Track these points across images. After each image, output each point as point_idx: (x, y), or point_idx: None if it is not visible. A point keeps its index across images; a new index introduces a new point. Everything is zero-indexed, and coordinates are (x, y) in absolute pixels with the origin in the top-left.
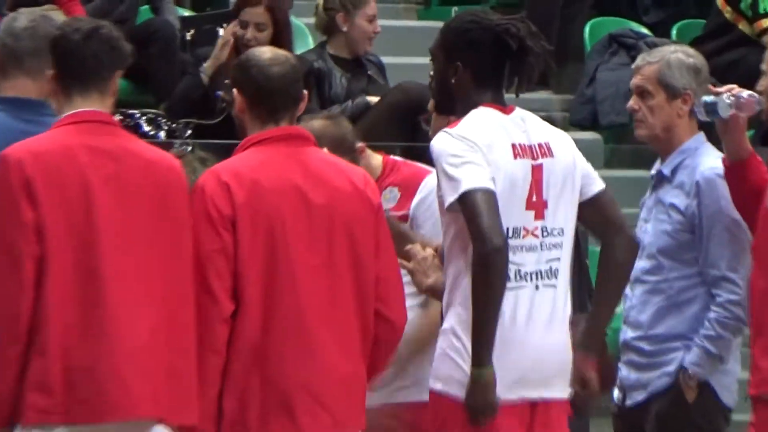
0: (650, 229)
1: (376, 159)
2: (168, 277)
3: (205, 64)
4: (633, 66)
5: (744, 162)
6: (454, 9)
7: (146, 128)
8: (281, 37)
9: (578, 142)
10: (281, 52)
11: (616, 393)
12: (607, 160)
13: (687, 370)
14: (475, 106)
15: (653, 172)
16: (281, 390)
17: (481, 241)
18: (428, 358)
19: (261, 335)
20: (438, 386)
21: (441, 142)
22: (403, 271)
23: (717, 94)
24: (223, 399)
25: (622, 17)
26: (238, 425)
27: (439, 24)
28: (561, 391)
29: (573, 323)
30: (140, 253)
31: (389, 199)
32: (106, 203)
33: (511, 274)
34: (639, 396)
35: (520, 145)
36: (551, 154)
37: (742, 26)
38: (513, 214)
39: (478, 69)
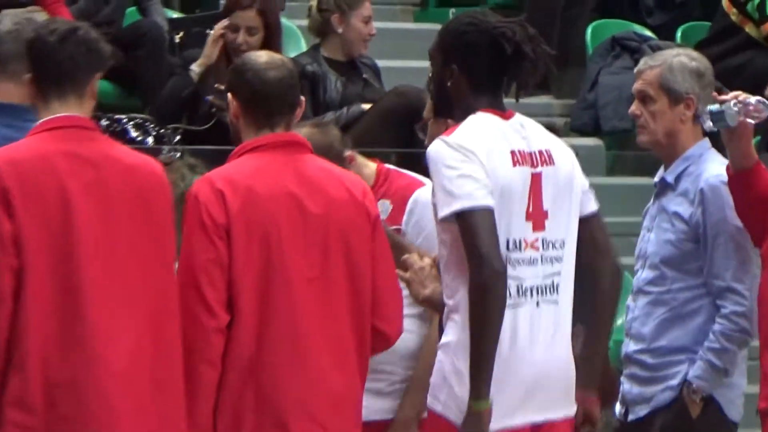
0: (653, 238)
1: (369, 167)
2: (152, 287)
3: (194, 64)
4: (635, 70)
5: (750, 171)
6: (452, 11)
7: (134, 134)
8: (272, 41)
9: (579, 149)
10: (278, 56)
11: (618, 407)
12: (610, 167)
13: (691, 383)
14: (472, 110)
15: (656, 179)
16: (275, 406)
17: (480, 265)
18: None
19: (255, 347)
20: (438, 408)
21: (437, 151)
22: (402, 284)
23: (722, 101)
24: (217, 414)
25: (625, 19)
26: None
27: (436, 26)
28: (566, 409)
29: (573, 334)
30: (122, 262)
31: (381, 212)
32: (86, 211)
33: (512, 290)
34: (642, 411)
35: (519, 151)
36: (551, 162)
37: (749, 29)
38: (513, 226)
39: (474, 72)
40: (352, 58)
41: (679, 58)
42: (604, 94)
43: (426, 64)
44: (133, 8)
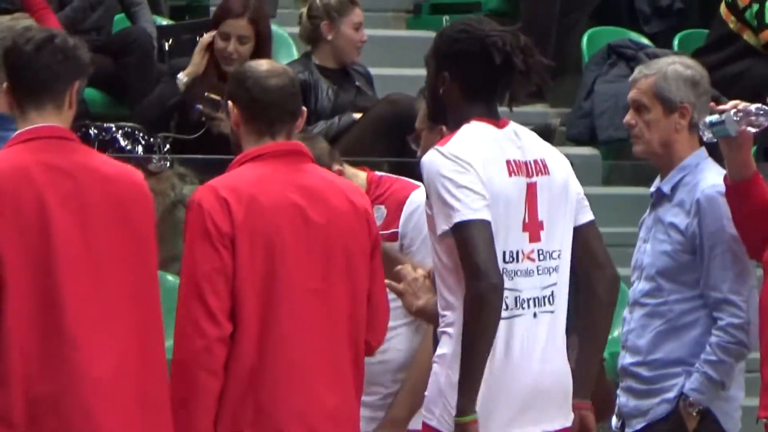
0: (649, 249)
1: (359, 177)
2: (136, 299)
3: (181, 74)
4: (630, 79)
5: (749, 181)
6: (445, 18)
7: (123, 143)
8: (263, 50)
9: (575, 158)
10: (279, 65)
11: (614, 420)
12: (606, 177)
13: (688, 396)
14: (466, 119)
15: (652, 189)
16: (274, 417)
17: (477, 278)
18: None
19: (256, 359)
20: (433, 422)
21: (432, 161)
22: (392, 295)
23: (722, 111)
24: (216, 425)
25: (621, 27)
26: None
27: (429, 33)
28: (563, 420)
29: (568, 346)
30: (103, 274)
31: (377, 217)
32: (65, 224)
33: (509, 302)
34: (638, 424)
35: (515, 161)
36: (547, 172)
37: (747, 36)
38: (510, 237)
39: (466, 80)
40: (344, 66)
41: (674, 66)
42: (600, 103)
43: (419, 71)
44: (121, 15)
